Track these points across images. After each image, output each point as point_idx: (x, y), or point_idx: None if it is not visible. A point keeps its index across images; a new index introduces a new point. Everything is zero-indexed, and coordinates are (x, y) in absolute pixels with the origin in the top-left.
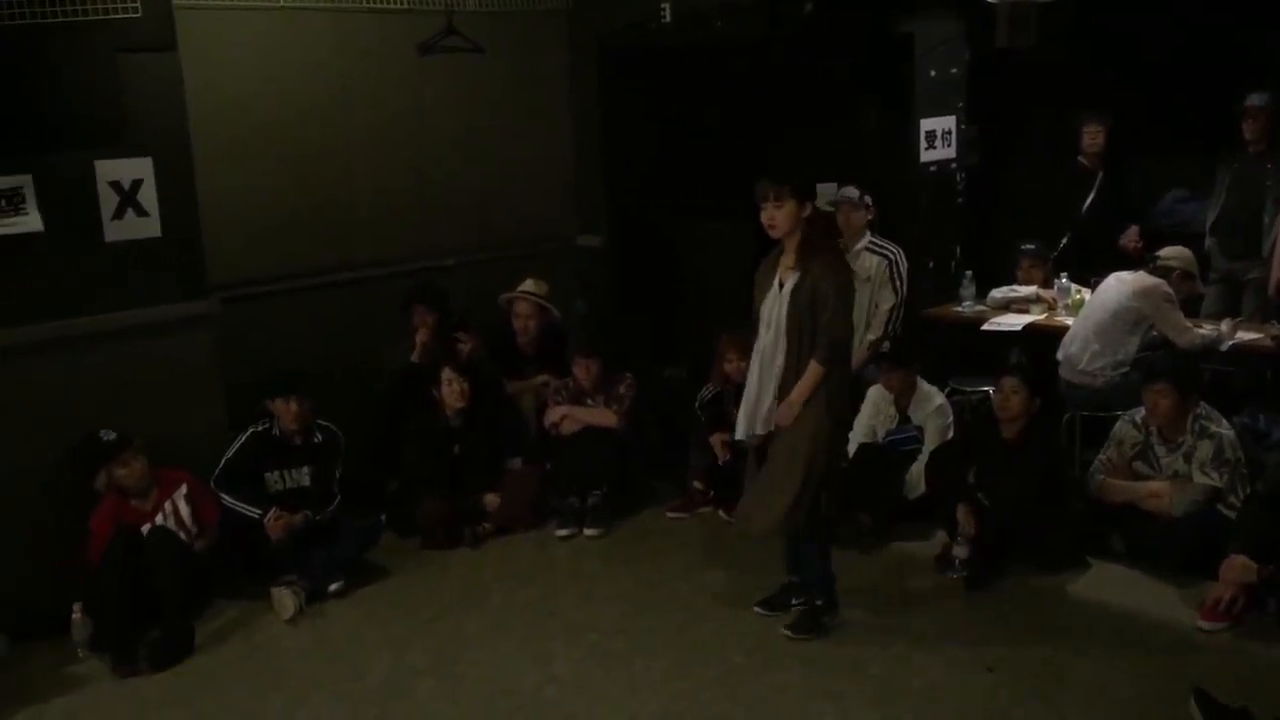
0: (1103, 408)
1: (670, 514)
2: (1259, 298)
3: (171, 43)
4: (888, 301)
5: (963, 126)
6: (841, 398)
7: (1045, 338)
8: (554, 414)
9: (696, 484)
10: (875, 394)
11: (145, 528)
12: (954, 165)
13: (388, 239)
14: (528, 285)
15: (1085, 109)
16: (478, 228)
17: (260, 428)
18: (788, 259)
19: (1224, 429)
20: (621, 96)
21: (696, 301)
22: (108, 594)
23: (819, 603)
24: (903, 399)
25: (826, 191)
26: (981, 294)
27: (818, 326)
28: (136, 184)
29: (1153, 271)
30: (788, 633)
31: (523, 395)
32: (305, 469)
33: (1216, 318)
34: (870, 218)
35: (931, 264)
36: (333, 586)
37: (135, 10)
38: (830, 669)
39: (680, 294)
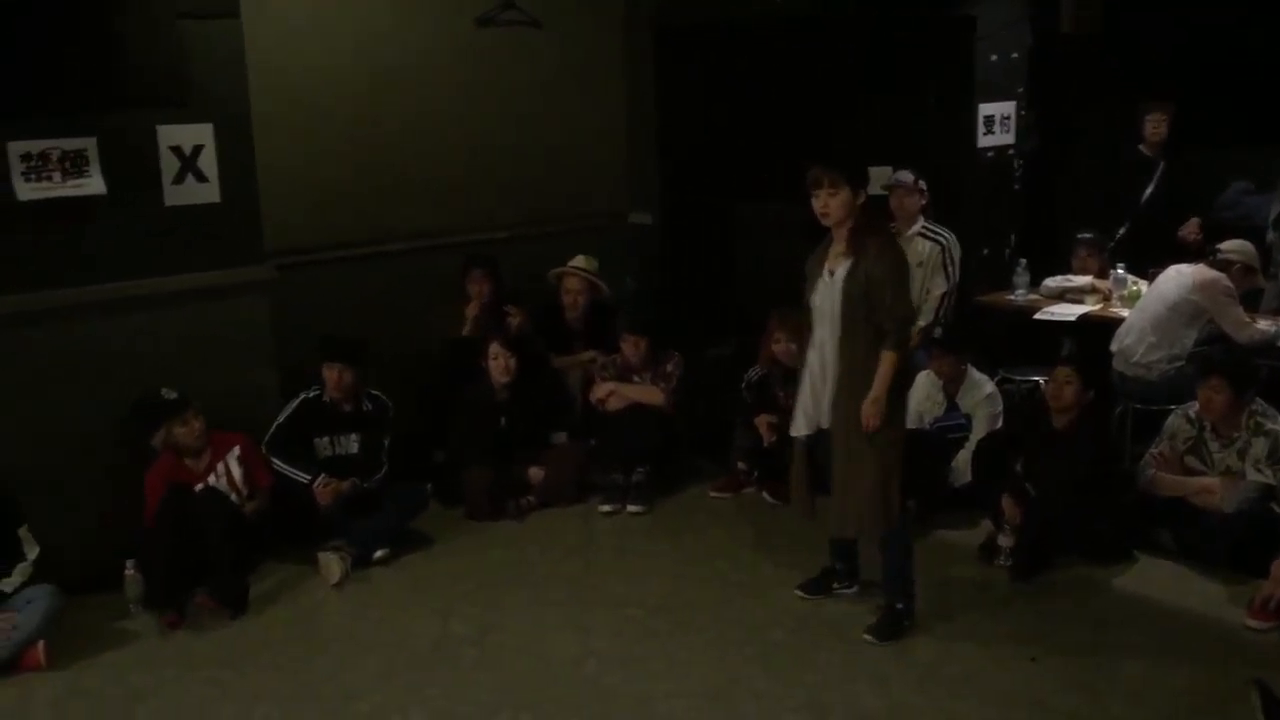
0: (1156, 401)
1: (714, 493)
2: None
3: (234, 9)
4: (939, 288)
5: (1022, 112)
6: (904, 384)
7: (1099, 328)
8: (600, 390)
9: (740, 464)
10: (924, 380)
11: (198, 487)
12: (1012, 151)
13: (440, 210)
14: (578, 261)
15: (1149, 96)
16: (530, 202)
17: (311, 394)
18: (838, 247)
19: (1279, 426)
20: (677, 73)
21: (746, 282)
22: (158, 551)
23: (900, 606)
24: (952, 386)
25: (881, 174)
26: (1035, 282)
27: (878, 312)
28: (197, 149)
29: (1213, 265)
30: (869, 638)
31: (570, 370)
32: (354, 437)
33: (1277, 313)
34: (924, 203)
35: (985, 251)
36: (378, 554)
37: None
38: (872, 652)
39: (730, 274)
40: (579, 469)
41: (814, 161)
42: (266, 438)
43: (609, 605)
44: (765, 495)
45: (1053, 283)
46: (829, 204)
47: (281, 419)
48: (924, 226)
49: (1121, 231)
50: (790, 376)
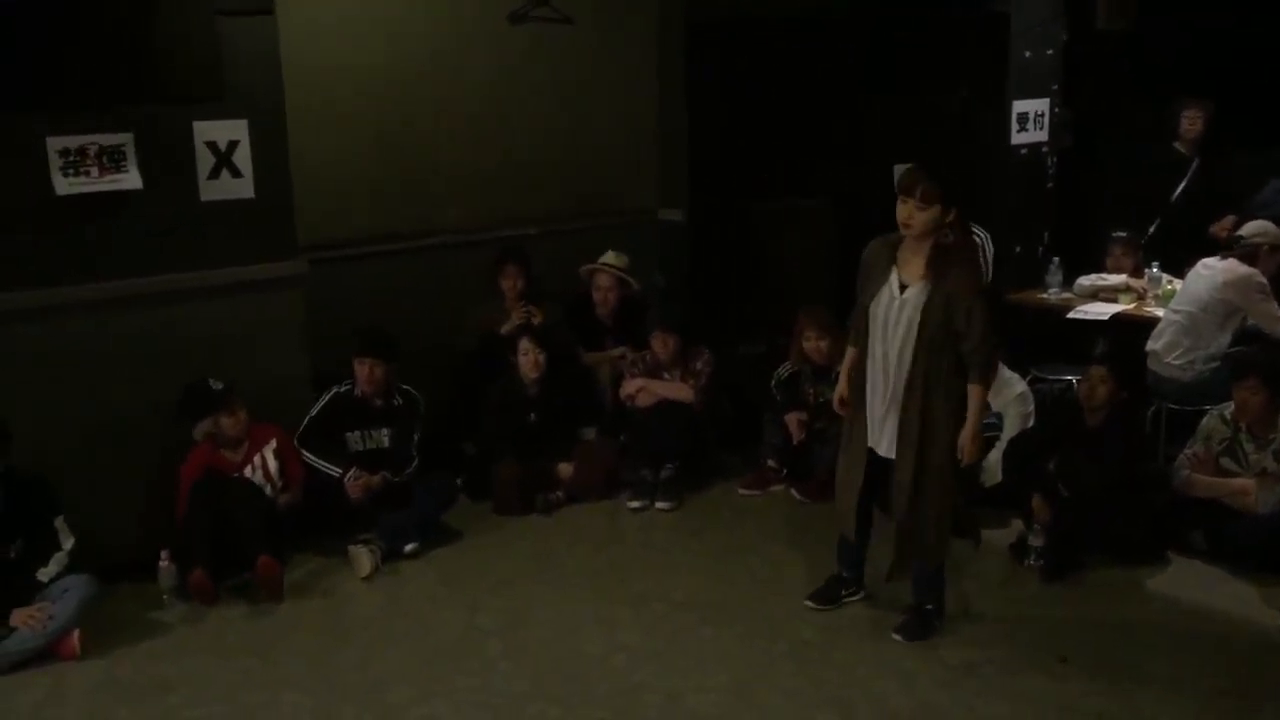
0: (1191, 401)
1: (743, 490)
2: None
3: (269, 6)
4: None
5: (1056, 109)
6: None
7: (1133, 327)
8: (630, 386)
9: (769, 462)
10: None
11: (233, 478)
12: (1045, 149)
13: (471, 206)
14: (609, 258)
15: (1184, 93)
16: (560, 198)
17: (342, 388)
18: (914, 264)
19: None
20: (708, 70)
21: (776, 279)
22: (190, 540)
23: (930, 607)
24: None
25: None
26: (1069, 281)
27: (964, 342)
28: (233, 145)
29: (1240, 256)
30: (897, 636)
31: (600, 366)
32: (385, 430)
33: None
34: None
35: (1018, 249)
36: (408, 547)
37: None
38: (901, 650)
39: (760, 271)
40: (608, 465)
41: (915, 167)
42: (299, 431)
43: (636, 600)
44: (794, 493)
45: (1086, 281)
46: (914, 217)
47: (313, 412)
48: None
49: (1153, 228)
50: (821, 374)
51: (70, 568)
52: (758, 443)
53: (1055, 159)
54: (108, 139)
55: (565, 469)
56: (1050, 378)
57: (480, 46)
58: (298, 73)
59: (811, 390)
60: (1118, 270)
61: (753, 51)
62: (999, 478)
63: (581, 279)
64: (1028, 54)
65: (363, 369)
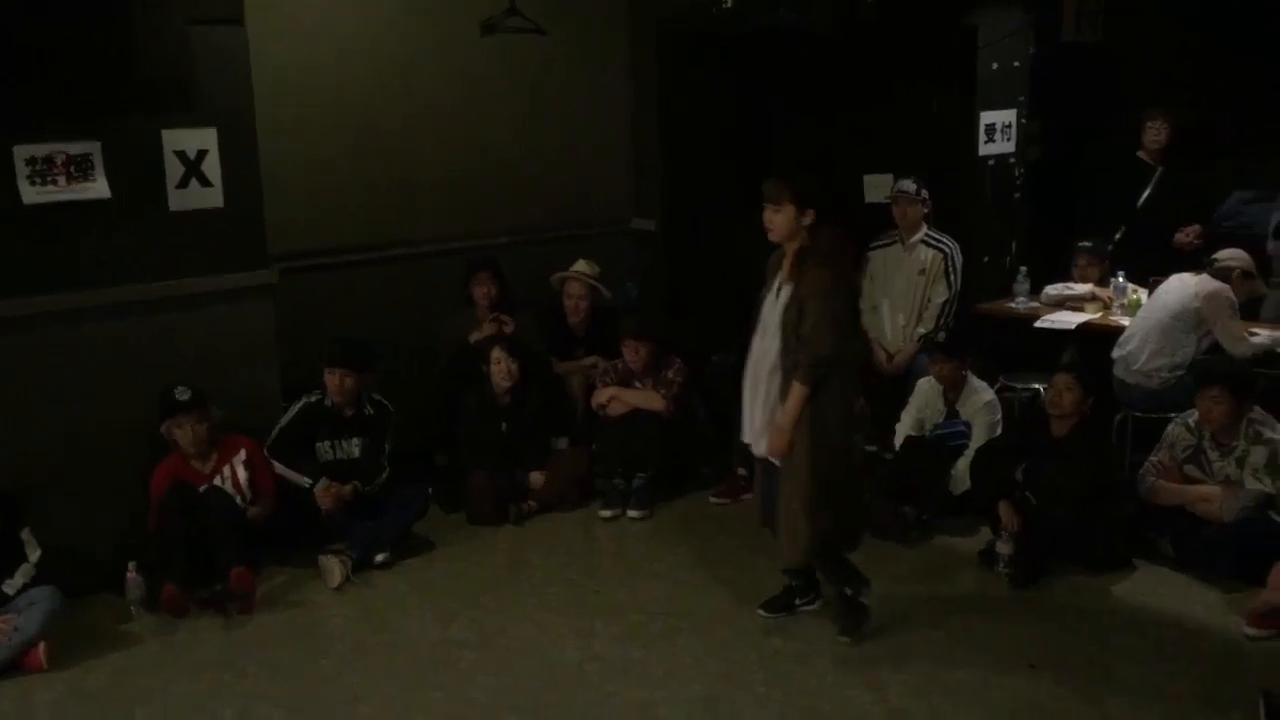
0: (1157, 409)
1: (714, 499)
2: None
3: (239, 15)
4: (941, 295)
5: (1023, 120)
6: (836, 410)
7: (1099, 336)
8: (602, 395)
9: (741, 470)
10: (925, 386)
11: (201, 489)
12: (1013, 159)
13: (444, 216)
14: (580, 266)
15: (1149, 105)
16: (533, 207)
17: (313, 398)
18: (785, 267)
19: (1278, 435)
20: (681, 81)
21: (748, 288)
22: (162, 552)
23: (848, 591)
24: (951, 393)
25: (883, 182)
26: (1036, 290)
27: (796, 341)
28: (201, 154)
29: (1213, 274)
30: (845, 640)
31: (571, 375)
32: (356, 441)
33: (1277, 322)
34: (927, 211)
35: (987, 258)
36: (379, 557)
37: None
38: (872, 659)
39: (732, 280)
40: (580, 474)
41: (774, 176)
42: (269, 441)
43: (609, 610)
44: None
45: (1053, 290)
46: (772, 220)
47: (283, 422)
48: (927, 234)
49: (1118, 238)
50: None
51: (36, 580)
52: (730, 451)
53: (1023, 170)
54: (75, 148)
55: (537, 478)
56: (1018, 386)
57: (452, 56)
58: (268, 82)
59: None
60: (1084, 280)
61: (726, 62)
62: (967, 485)
63: (553, 288)
64: (995, 66)
65: (333, 379)
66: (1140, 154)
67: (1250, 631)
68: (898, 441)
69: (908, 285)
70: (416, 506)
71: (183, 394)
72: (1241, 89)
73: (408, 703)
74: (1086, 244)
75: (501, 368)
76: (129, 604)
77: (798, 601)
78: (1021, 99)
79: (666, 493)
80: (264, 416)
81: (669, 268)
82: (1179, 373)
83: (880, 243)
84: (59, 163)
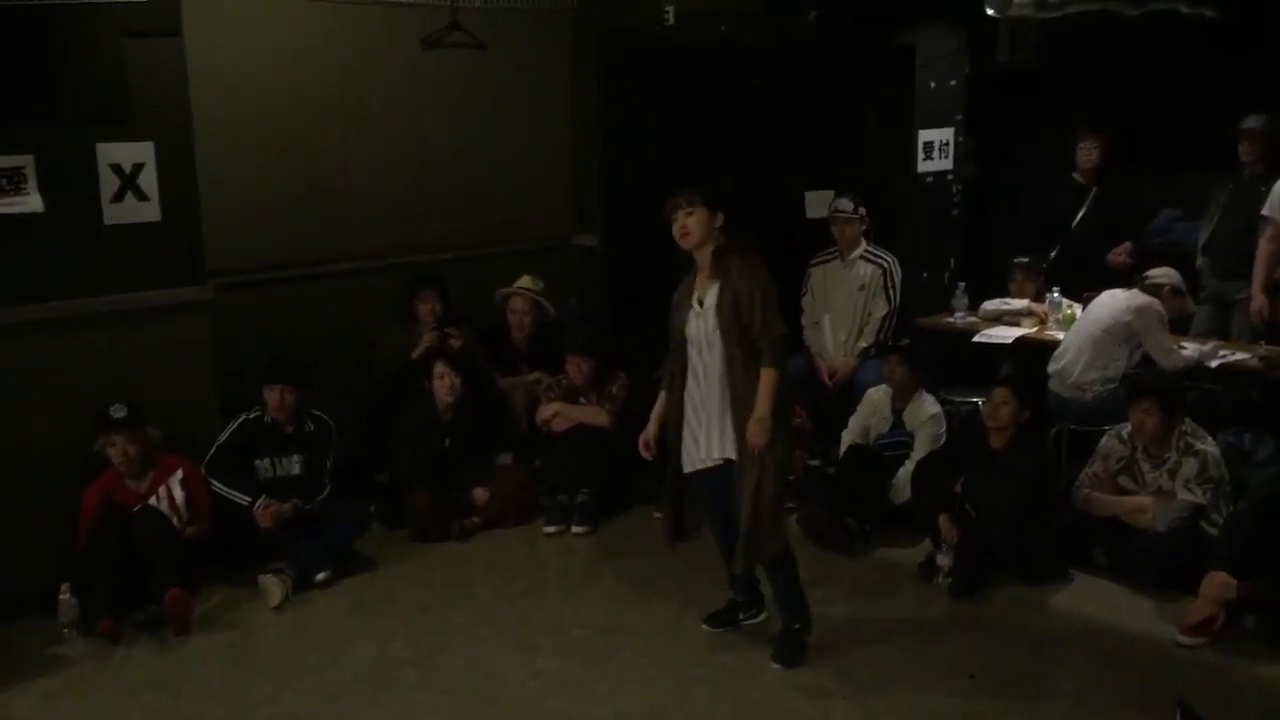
0: (1091, 422)
1: (658, 514)
2: (1247, 318)
3: (177, 28)
4: (881, 310)
5: (960, 139)
6: (785, 405)
7: (1035, 351)
8: (545, 411)
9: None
10: (875, 395)
11: (135, 509)
12: (950, 177)
13: (385, 231)
14: (524, 281)
15: (1082, 125)
16: (475, 223)
17: (251, 415)
18: (704, 273)
19: (1209, 446)
20: (622, 97)
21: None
22: (95, 574)
23: (797, 626)
24: (900, 401)
25: (823, 199)
26: (974, 305)
27: (751, 332)
28: (137, 168)
29: (1144, 290)
30: (778, 667)
31: (514, 391)
32: (296, 458)
33: (1205, 336)
34: (865, 228)
35: (925, 274)
36: (320, 576)
37: None
38: (814, 671)
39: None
40: (524, 490)
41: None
42: (206, 459)
43: (553, 626)
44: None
45: (991, 306)
46: (686, 224)
47: (221, 440)
48: (866, 250)
49: (1053, 255)
50: None
51: None
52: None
53: (960, 187)
54: (7, 161)
55: (481, 494)
56: (956, 400)
57: (393, 71)
58: (206, 95)
59: None
60: (1020, 295)
61: (667, 80)
62: (908, 495)
63: (496, 303)
64: (933, 85)
65: (273, 395)
66: (1075, 175)
67: (1183, 640)
68: (842, 449)
69: (848, 300)
70: (358, 524)
71: (118, 411)
72: (1169, 110)
73: None
74: (1023, 260)
75: (445, 382)
76: (61, 626)
77: (741, 616)
78: (959, 118)
79: (610, 508)
80: (201, 434)
81: (611, 283)
82: (1111, 386)
83: (821, 259)
84: None
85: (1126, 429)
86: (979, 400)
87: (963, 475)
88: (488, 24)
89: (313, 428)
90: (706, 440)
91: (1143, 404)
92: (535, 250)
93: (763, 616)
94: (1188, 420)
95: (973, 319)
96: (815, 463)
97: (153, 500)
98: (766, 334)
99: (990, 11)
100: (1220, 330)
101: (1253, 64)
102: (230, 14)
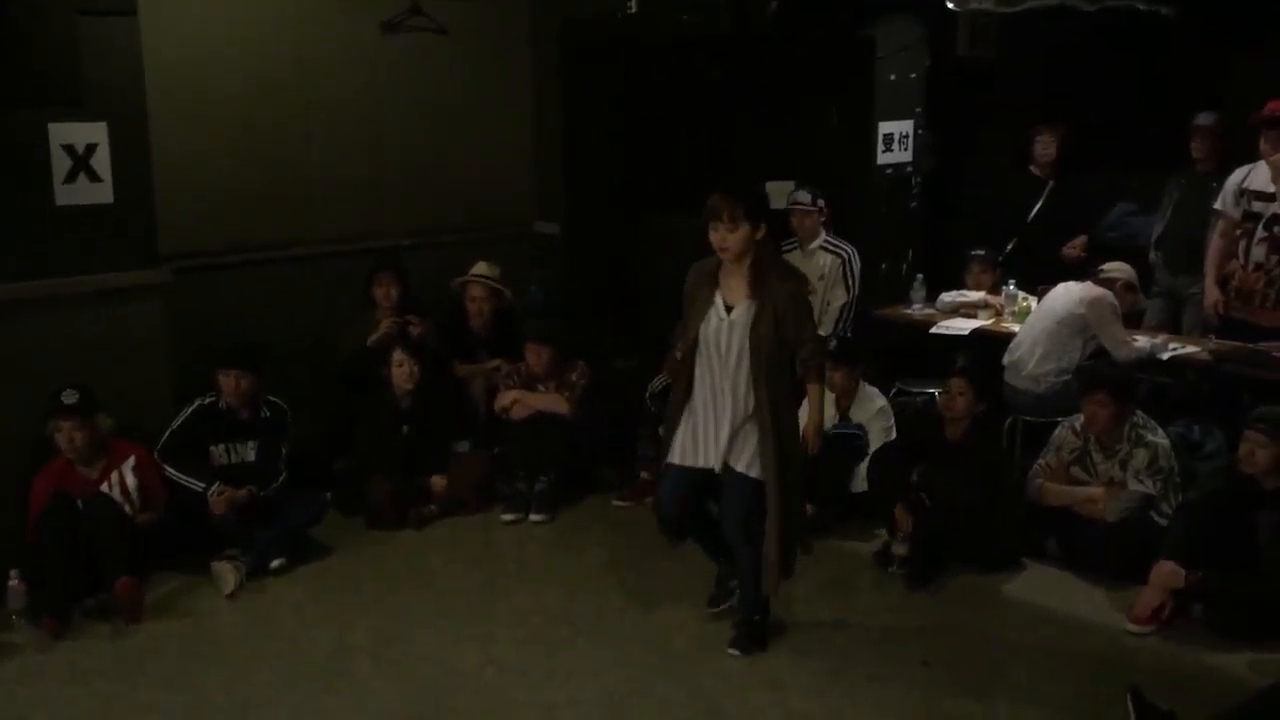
0: (1044, 413)
1: (617, 502)
2: (1199, 312)
3: (132, 6)
4: (839, 299)
5: (920, 131)
6: (795, 427)
7: (991, 342)
8: (504, 398)
9: (644, 474)
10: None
11: (85, 498)
12: (909, 169)
13: (343, 217)
14: (480, 269)
15: (1039, 119)
16: (434, 209)
17: (206, 401)
18: (735, 282)
19: (1159, 438)
20: (584, 85)
21: (651, 293)
22: (45, 562)
23: (757, 618)
24: (844, 399)
25: (783, 190)
26: (931, 297)
27: (796, 347)
28: (90, 149)
29: (1097, 283)
30: (736, 653)
31: (473, 379)
32: (251, 444)
33: (1157, 330)
34: (824, 219)
35: (884, 266)
36: (275, 563)
37: None
38: (771, 659)
39: (636, 285)
40: (482, 478)
41: (715, 190)
42: (159, 445)
43: (510, 615)
44: None
45: (948, 297)
46: (728, 240)
47: (175, 426)
48: (826, 240)
49: (1010, 247)
50: None
51: None
52: (633, 455)
53: (919, 179)
54: None
55: (439, 482)
56: (914, 390)
57: (353, 54)
58: (162, 75)
59: None
60: (977, 287)
61: (629, 67)
62: (864, 486)
63: (454, 291)
64: (892, 77)
65: (228, 381)
66: (1032, 168)
67: (1132, 628)
68: None
69: None
70: (314, 511)
71: (70, 397)
72: (1125, 105)
73: (303, 712)
74: (980, 252)
75: (403, 370)
76: (10, 613)
77: (731, 584)
78: (918, 110)
79: (569, 496)
80: (155, 420)
81: (572, 272)
82: (1065, 378)
83: (780, 249)
84: None
85: (1079, 420)
86: (935, 391)
87: (918, 465)
88: (448, 9)
89: (268, 414)
90: (704, 444)
91: (1095, 396)
92: (496, 237)
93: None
94: (1139, 412)
95: (930, 310)
96: None
97: (104, 487)
98: (817, 353)
99: (950, 5)
100: (1172, 325)
101: (1207, 61)
102: None
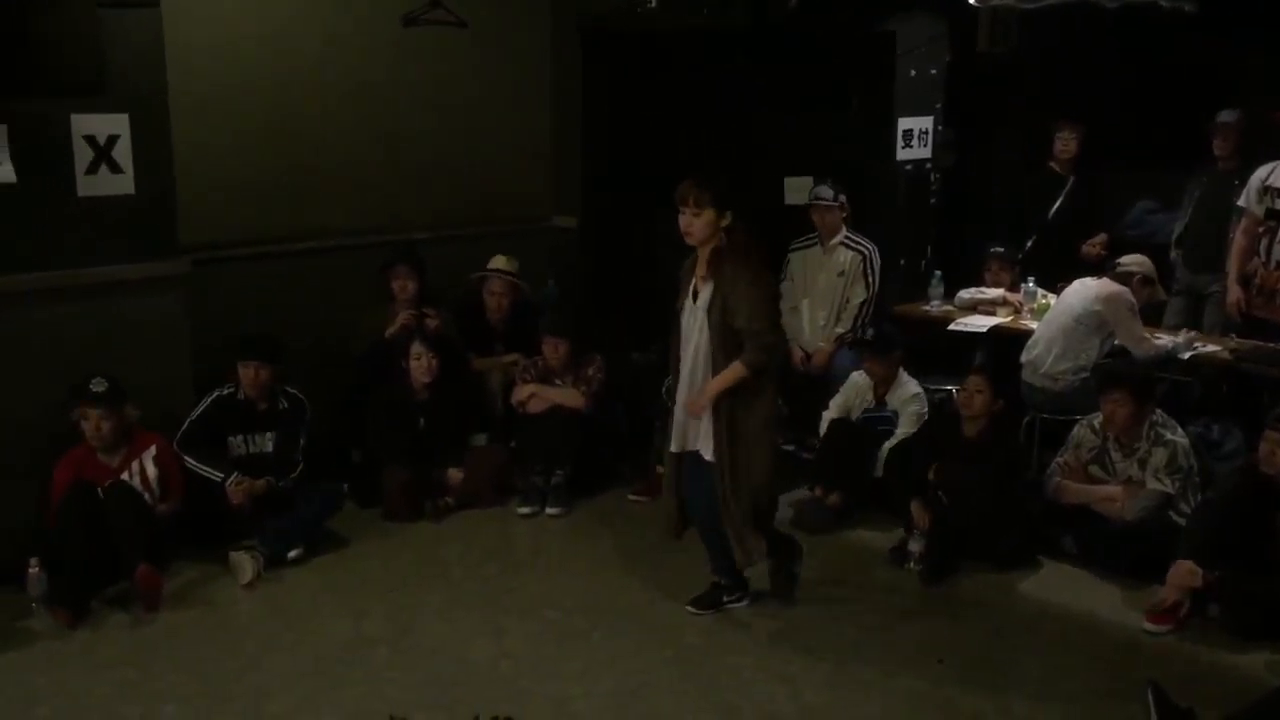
0: (1062, 411)
1: (632, 497)
2: (1219, 311)
3: None
4: (860, 295)
5: (939, 127)
6: (766, 412)
7: (1009, 340)
8: (521, 392)
9: (660, 468)
10: (857, 379)
11: (107, 484)
12: (928, 165)
13: (361, 209)
14: (500, 262)
15: (1060, 115)
16: (452, 202)
17: (224, 391)
18: (701, 269)
19: (1179, 437)
20: (603, 79)
21: (668, 287)
22: (65, 549)
23: (723, 582)
24: (881, 387)
25: (803, 185)
26: (950, 294)
27: (741, 335)
28: (112, 140)
29: (1115, 278)
30: (690, 608)
31: (490, 372)
32: (269, 435)
33: (1177, 329)
34: (845, 215)
35: (902, 262)
36: (292, 553)
37: None
38: (784, 653)
39: (652, 279)
40: (498, 471)
41: (689, 178)
42: (178, 435)
43: (525, 607)
44: None
45: (966, 294)
46: (692, 224)
47: (194, 416)
48: (846, 236)
49: (1029, 245)
50: None
51: None
52: (649, 449)
53: (938, 175)
54: None
55: (455, 475)
56: (931, 388)
57: (373, 47)
58: (183, 67)
59: None
60: (996, 284)
61: (649, 62)
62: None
63: (471, 285)
64: (913, 73)
65: (247, 371)
66: (1052, 165)
67: (1149, 627)
68: (822, 428)
69: (828, 286)
70: (331, 502)
71: (98, 385)
72: (1146, 102)
73: (319, 700)
74: (999, 249)
75: (421, 363)
76: (31, 600)
77: (725, 599)
78: (938, 106)
79: (584, 490)
80: (174, 410)
81: (589, 265)
82: (1083, 375)
83: (800, 244)
84: None
85: (1098, 419)
86: (953, 388)
87: (936, 462)
88: (469, 2)
89: (286, 405)
90: (686, 427)
91: (1114, 394)
92: (513, 231)
93: (746, 602)
94: (1158, 411)
95: (948, 307)
96: (790, 447)
97: (125, 476)
98: (751, 329)
99: (971, 1)
100: (1192, 323)
101: (1229, 58)
102: None
